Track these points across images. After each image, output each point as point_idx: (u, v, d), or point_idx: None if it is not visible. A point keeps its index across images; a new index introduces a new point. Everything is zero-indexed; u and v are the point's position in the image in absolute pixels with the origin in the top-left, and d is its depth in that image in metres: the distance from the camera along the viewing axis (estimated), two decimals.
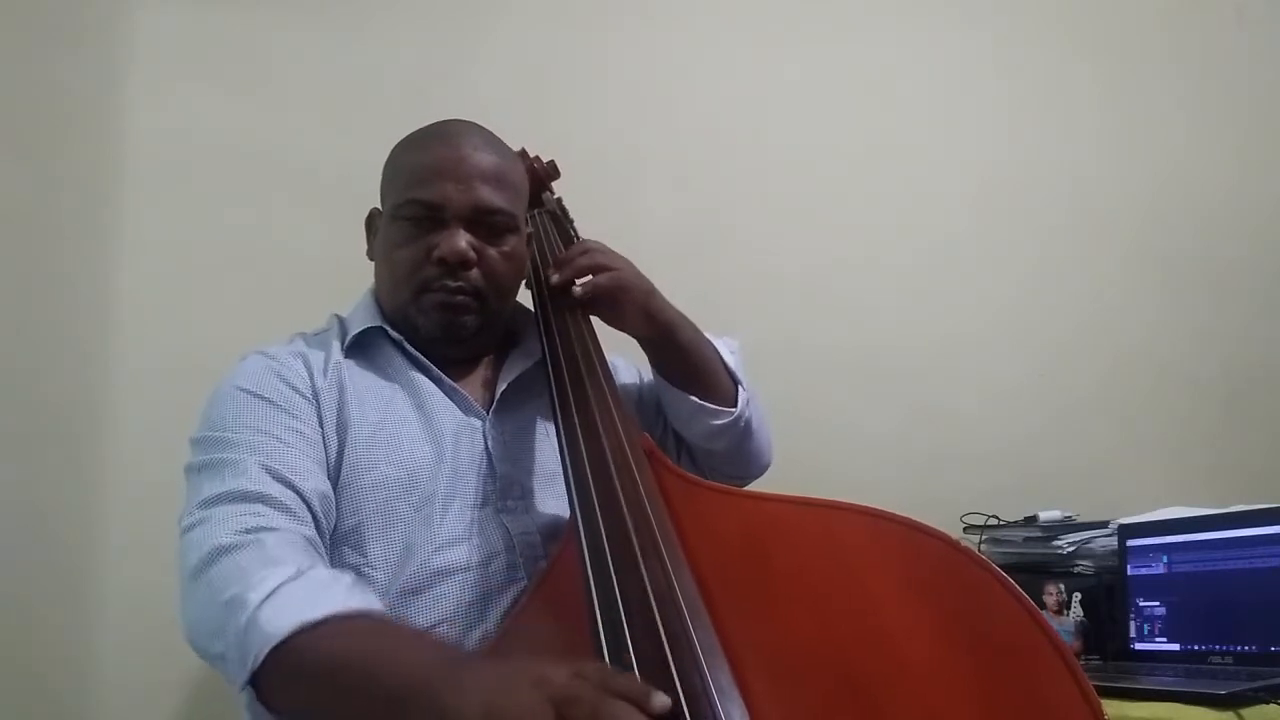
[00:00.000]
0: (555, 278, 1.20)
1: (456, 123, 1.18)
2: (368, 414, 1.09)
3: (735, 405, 1.23)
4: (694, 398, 1.22)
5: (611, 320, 1.21)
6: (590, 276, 1.19)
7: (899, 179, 1.91)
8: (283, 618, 0.84)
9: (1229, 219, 2.03)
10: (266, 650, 0.83)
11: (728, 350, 1.28)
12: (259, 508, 0.95)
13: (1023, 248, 1.96)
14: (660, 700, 0.66)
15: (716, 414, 1.22)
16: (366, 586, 0.96)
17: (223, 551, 0.91)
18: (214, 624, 0.88)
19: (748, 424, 1.25)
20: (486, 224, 1.13)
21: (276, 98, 1.64)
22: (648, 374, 1.30)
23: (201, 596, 0.91)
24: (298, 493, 0.99)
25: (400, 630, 0.90)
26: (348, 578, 0.93)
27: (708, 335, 1.27)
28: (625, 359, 1.32)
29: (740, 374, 1.27)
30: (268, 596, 0.86)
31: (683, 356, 1.22)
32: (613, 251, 1.22)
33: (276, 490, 0.97)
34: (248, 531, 0.92)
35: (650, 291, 1.20)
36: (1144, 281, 1.99)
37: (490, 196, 1.12)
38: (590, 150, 1.65)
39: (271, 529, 0.94)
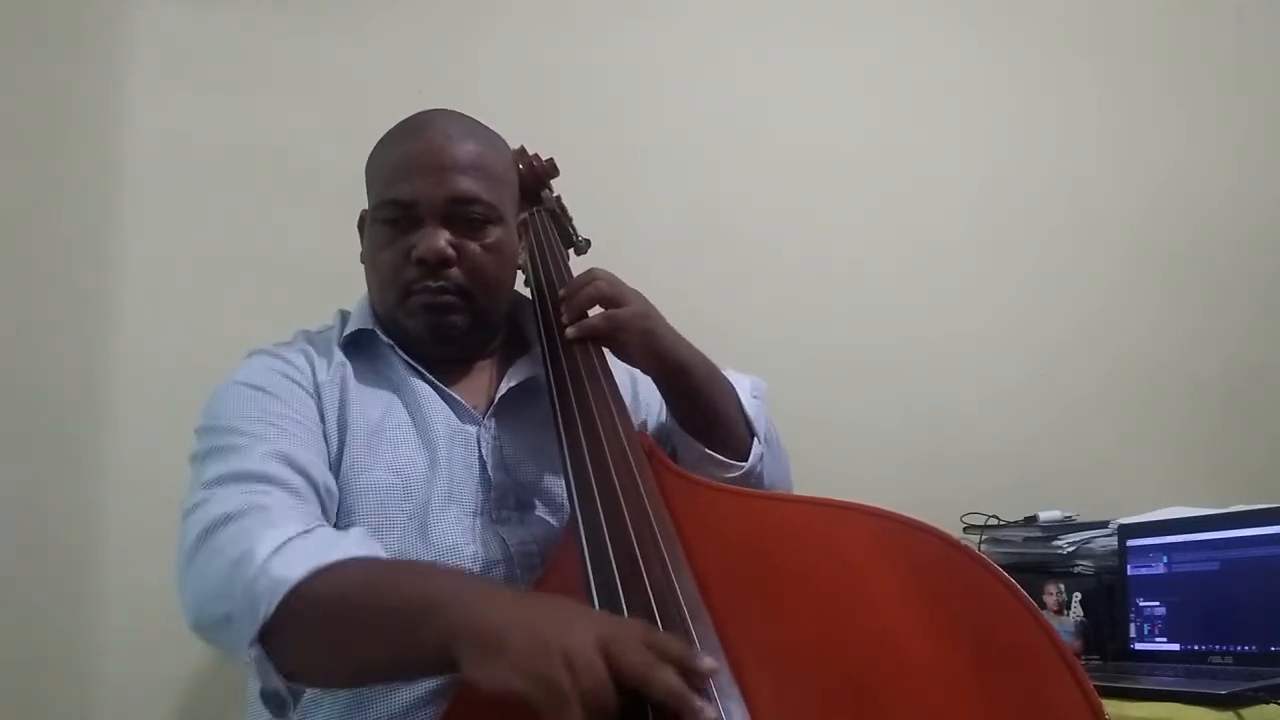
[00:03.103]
0: (565, 319, 1.13)
1: (431, 114, 1.14)
2: (368, 415, 1.07)
3: (747, 459, 1.15)
4: (702, 446, 1.15)
5: (615, 354, 1.14)
6: (590, 313, 1.13)
7: (899, 179, 1.91)
8: (296, 564, 0.82)
9: (1229, 219, 2.03)
10: (280, 595, 0.80)
11: (749, 393, 1.20)
12: (264, 486, 0.93)
13: (1023, 248, 1.96)
14: (708, 662, 0.67)
15: (725, 466, 1.14)
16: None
17: (226, 519, 0.88)
18: (218, 587, 0.85)
19: (759, 477, 1.17)
20: (464, 217, 1.09)
21: (276, 98, 1.64)
22: None
23: (204, 564, 0.88)
24: (305, 477, 0.97)
25: (422, 563, 0.88)
26: (361, 530, 0.91)
27: (730, 371, 1.20)
28: None
29: (760, 420, 1.19)
30: (278, 548, 0.83)
31: (692, 400, 1.15)
32: (620, 284, 1.15)
33: (283, 472, 0.95)
34: (252, 503, 0.90)
35: (652, 332, 1.12)
36: (1144, 281, 1.99)
37: (466, 186, 1.08)
38: (590, 149, 1.65)
39: (278, 502, 0.91)
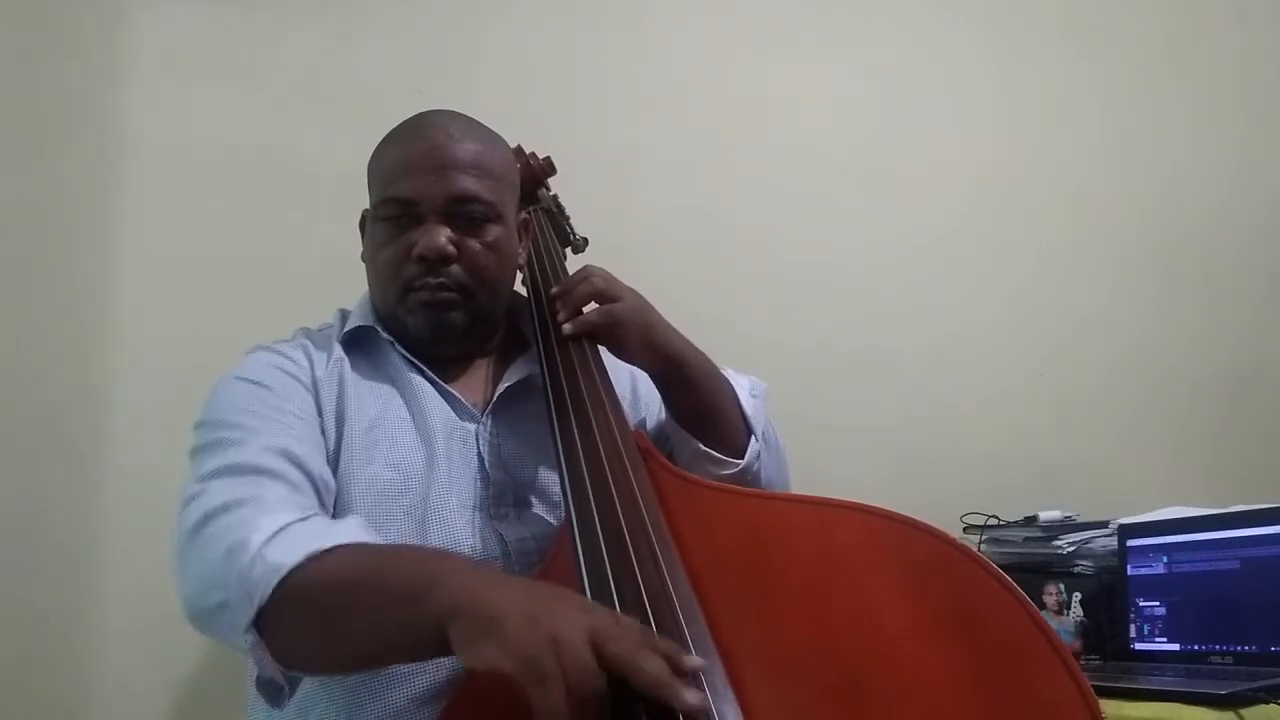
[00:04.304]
0: (561, 316, 1.14)
1: (432, 114, 1.15)
2: (365, 410, 1.08)
3: (743, 456, 1.16)
4: (699, 443, 1.15)
5: (612, 351, 1.15)
6: (585, 309, 1.14)
7: (898, 178, 1.91)
8: (292, 549, 0.82)
9: (1229, 219, 2.03)
10: (276, 580, 0.80)
11: (748, 392, 1.21)
12: (261, 479, 0.93)
13: (1022, 247, 1.95)
14: (695, 661, 0.68)
15: (721, 464, 1.15)
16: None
17: (221, 509, 0.89)
18: (214, 575, 0.85)
19: (756, 475, 1.17)
20: (465, 215, 1.09)
21: (276, 98, 1.64)
22: None
23: (199, 553, 0.88)
24: (301, 469, 0.97)
25: (420, 547, 0.88)
26: (358, 518, 0.91)
27: (729, 371, 1.21)
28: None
29: (758, 419, 1.19)
30: (274, 535, 0.84)
31: (690, 395, 1.15)
32: (615, 280, 1.15)
33: (280, 465, 0.95)
34: (247, 494, 0.90)
35: (649, 325, 1.13)
36: (1144, 281, 1.99)
37: (467, 185, 1.08)
38: (590, 148, 1.65)
39: (274, 493, 0.92)
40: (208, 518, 0.89)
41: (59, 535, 1.45)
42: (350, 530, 0.88)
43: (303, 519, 0.88)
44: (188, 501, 0.93)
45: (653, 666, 0.65)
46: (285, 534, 0.85)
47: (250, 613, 0.82)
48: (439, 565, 0.78)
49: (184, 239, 1.57)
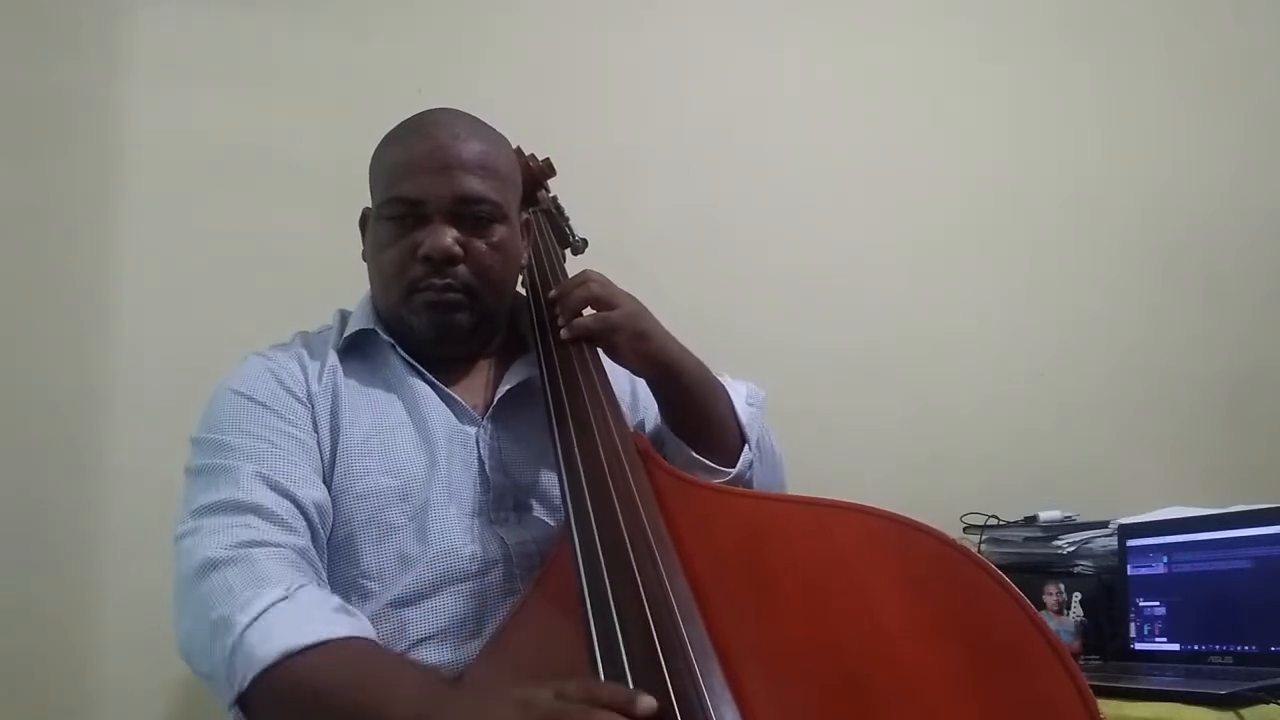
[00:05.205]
0: (560, 321, 1.14)
1: (436, 112, 1.14)
2: (361, 419, 1.07)
3: (735, 464, 1.15)
4: (691, 451, 1.15)
5: (608, 355, 1.14)
6: (582, 314, 1.14)
7: (898, 179, 1.91)
8: (269, 643, 0.84)
9: (1229, 218, 2.03)
10: (251, 676, 0.83)
11: (744, 399, 1.20)
12: (251, 519, 0.94)
13: (1023, 247, 1.96)
14: (646, 703, 0.67)
15: (713, 472, 1.14)
16: (358, 605, 0.96)
17: (212, 566, 0.90)
18: (202, 643, 0.88)
19: (747, 484, 1.17)
20: (471, 215, 1.09)
21: (276, 98, 1.64)
22: None
23: (191, 612, 0.90)
24: (293, 501, 0.97)
25: (385, 658, 0.89)
26: (335, 600, 0.92)
27: (727, 378, 1.20)
28: None
29: (753, 427, 1.19)
30: (254, 620, 0.85)
31: (684, 402, 1.15)
32: (612, 286, 1.15)
33: (271, 500, 0.96)
34: (238, 546, 0.91)
35: (643, 333, 1.12)
36: (1144, 281, 1.99)
37: (473, 186, 1.08)
38: (590, 149, 1.65)
39: (263, 543, 0.92)
40: (199, 574, 0.90)
41: (59, 535, 1.45)
42: (328, 621, 0.87)
43: (284, 598, 0.88)
44: (181, 538, 0.95)
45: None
46: (268, 617, 0.85)
47: (231, 696, 0.85)
48: (399, 691, 0.80)
49: (184, 239, 1.57)
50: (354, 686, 0.81)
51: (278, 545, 0.93)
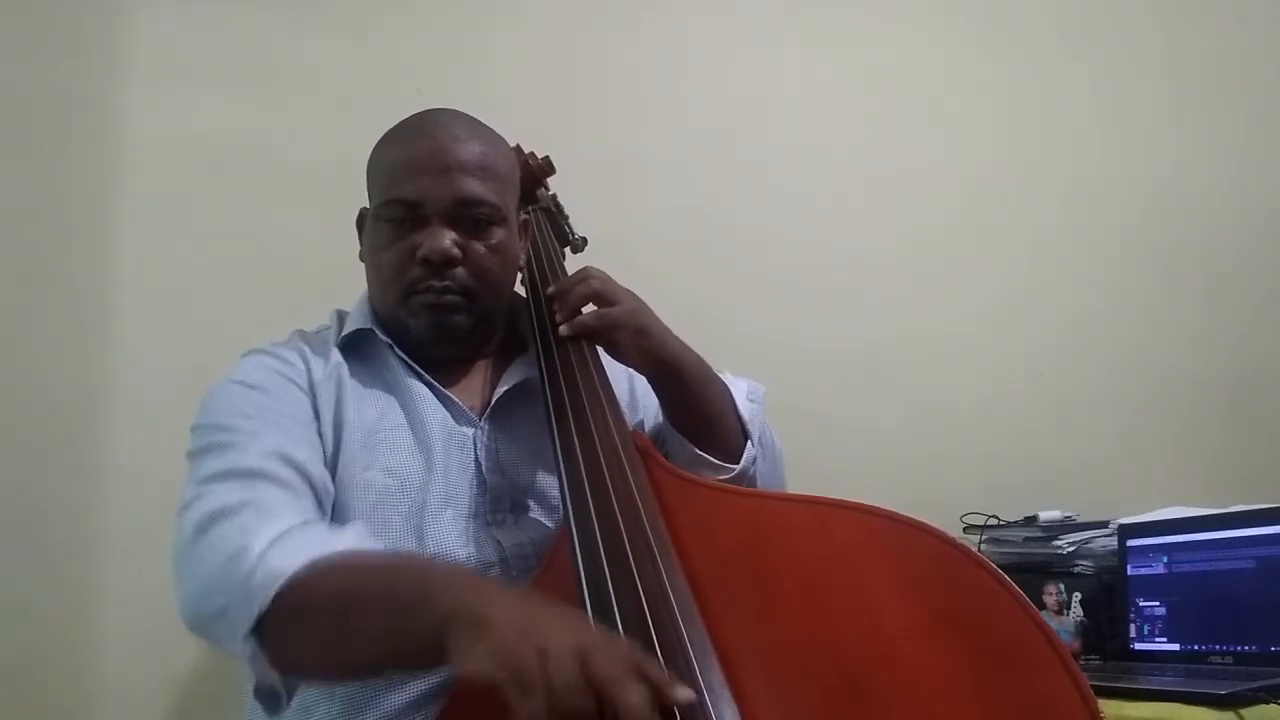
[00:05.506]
0: (558, 318, 1.14)
1: (435, 113, 1.13)
2: (364, 415, 1.07)
3: (739, 461, 1.15)
4: (694, 448, 1.14)
5: (608, 352, 1.14)
6: (583, 310, 1.13)
7: (898, 178, 1.91)
8: (293, 556, 0.82)
9: (1229, 218, 2.03)
10: (276, 587, 0.81)
11: (745, 396, 1.20)
12: (258, 483, 0.93)
13: (1023, 247, 1.95)
14: (684, 693, 0.66)
15: (716, 469, 1.13)
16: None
17: (221, 514, 0.89)
18: (214, 581, 0.85)
19: (750, 480, 1.17)
20: (470, 218, 1.08)
21: (276, 98, 1.64)
22: None
23: (199, 558, 0.88)
24: (300, 472, 0.96)
25: (422, 558, 0.88)
26: (359, 526, 0.91)
27: (728, 375, 1.20)
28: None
29: (755, 423, 1.19)
30: (274, 541, 0.84)
31: (685, 399, 1.14)
32: (612, 282, 1.14)
33: (278, 468, 0.95)
34: (247, 499, 0.90)
35: (644, 329, 1.11)
36: (1144, 281, 1.99)
37: (472, 188, 1.08)
38: (589, 149, 1.65)
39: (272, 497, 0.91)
40: (207, 522, 0.89)
41: (59, 535, 1.45)
42: (351, 538, 0.87)
43: (303, 525, 0.87)
44: (186, 505, 0.93)
45: (632, 697, 0.64)
46: (286, 540, 0.84)
47: (250, 619, 0.82)
48: (439, 577, 0.79)
49: (184, 239, 1.57)
50: (385, 572, 0.79)
51: (288, 501, 0.92)
